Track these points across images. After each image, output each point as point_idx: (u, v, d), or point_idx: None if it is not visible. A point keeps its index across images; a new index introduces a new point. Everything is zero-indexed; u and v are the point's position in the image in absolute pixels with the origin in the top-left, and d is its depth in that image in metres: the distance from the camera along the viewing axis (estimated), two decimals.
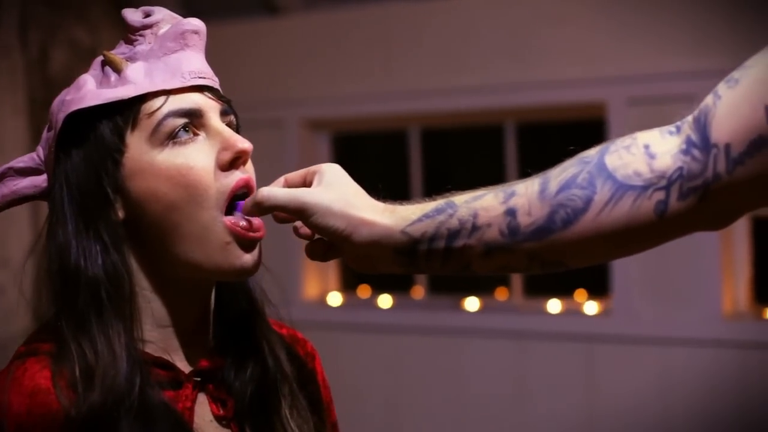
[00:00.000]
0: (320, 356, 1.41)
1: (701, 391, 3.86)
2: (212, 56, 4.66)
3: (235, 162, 1.20)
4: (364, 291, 4.74)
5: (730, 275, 3.89)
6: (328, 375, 1.37)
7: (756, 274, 3.95)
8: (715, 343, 3.83)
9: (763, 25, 3.68)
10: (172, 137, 1.18)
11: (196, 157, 1.18)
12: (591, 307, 4.14)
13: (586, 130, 4.23)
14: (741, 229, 3.91)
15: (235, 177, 1.19)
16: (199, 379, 1.25)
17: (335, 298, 4.70)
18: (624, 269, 3.97)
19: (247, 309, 1.30)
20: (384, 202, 1.20)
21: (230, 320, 1.29)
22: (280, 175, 4.73)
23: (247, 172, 1.21)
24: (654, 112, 3.90)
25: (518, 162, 4.33)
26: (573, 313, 4.17)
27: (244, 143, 1.20)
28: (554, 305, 4.21)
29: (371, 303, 4.62)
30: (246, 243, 1.19)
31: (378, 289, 4.69)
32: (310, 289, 4.71)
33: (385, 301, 4.59)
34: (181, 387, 1.22)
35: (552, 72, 4.09)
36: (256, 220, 1.20)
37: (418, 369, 4.43)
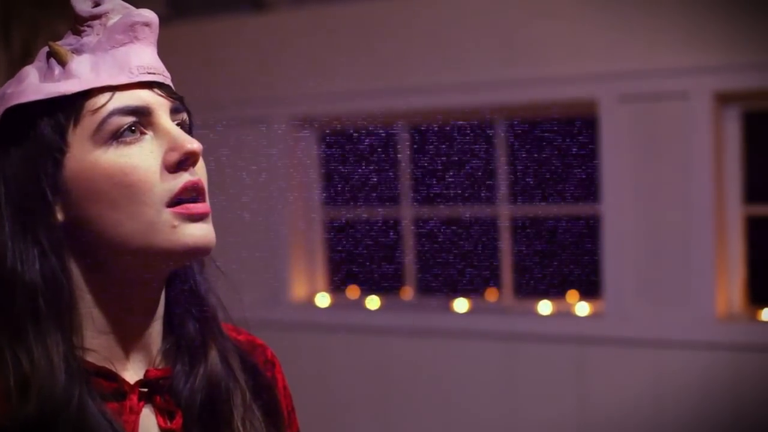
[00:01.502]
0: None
1: (695, 394, 3.82)
2: (198, 52, 4.62)
3: (183, 163, 1.13)
4: (352, 292, 4.69)
5: (724, 276, 3.84)
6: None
7: (750, 275, 3.90)
8: (708, 345, 3.79)
9: (756, 20, 3.64)
10: (116, 136, 1.12)
11: (141, 157, 1.12)
12: (582, 309, 4.09)
13: (577, 127, 4.17)
14: (735, 229, 3.86)
15: (183, 179, 1.13)
16: (145, 389, 1.18)
17: (323, 299, 4.64)
18: (616, 270, 3.92)
19: (198, 316, 1.23)
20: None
21: (180, 328, 1.23)
22: (267, 173, 4.66)
23: (196, 174, 1.14)
24: (646, 110, 3.86)
25: (508, 160, 4.27)
26: (564, 314, 4.13)
27: (192, 144, 1.13)
28: (545, 307, 4.16)
29: (359, 304, 4.57)
30: (194, 218, 1.13)
31: (367, 289, 4.64)
32: (298, 289, 4.66)
33: (373, 302, 4.53)
34: (125, 398, 1.16)
35: (541, 68, 4.05)
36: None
37: (406, 371, 4.39)
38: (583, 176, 4.14)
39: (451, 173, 4.84)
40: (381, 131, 4.66)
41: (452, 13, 4.25)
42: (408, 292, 4.56)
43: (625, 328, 3.92)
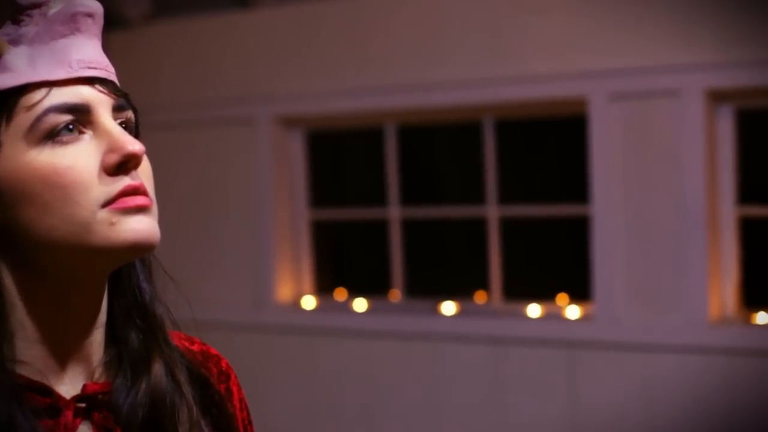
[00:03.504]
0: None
1: (687, 399, 3.77)
2: (182, 51, 4.57)
3: (123, 166, 1.05)
4: (340, 294, 4.63)
5: (717, 278, 3.80)
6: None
7: (744, 277, 3.85)
8: (701, 349, 3.74)
9: (750, 16, 3.60)
10: (52, 136, 1.04)
11: (77, 157, 1.04)
12: (572, 312, 4.03)
13: (567, 126, 4.11)
14: (728, 230, 3.81)
15: (122, 183, 1.05)
16: (83, 405, 1.10)
17: (309, 302, 4.58)
18: (606, 272, 3.86)
19: (142, 326, 1.15)
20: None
21: (123, 338, 1.15)
22: (252, 174, 4.62)
23: (137, 178, 1.06)
24: (637, 108, 3.82)
25: (497, 159, 4.22)
26: (554, 317, 4.08)
27: (134, 145, 1.05)
28: (534, 309, 4.10)
29: (346, 307, 4.52)
30: (131, 210, 1.05)
31: (354, 291, 4.59)
32: (284, 291, 4.59)
33: (360, 305, 4.47)
34: (60, 415, 1.08)
35: (530, 66, 4.00)
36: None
37: (393, 375, 4.36)
38: (573, 176, 4.09)
39: (439, 171, 4.78)
40: (368, 130, 4.60)
41: (439, 10, 4.21)
42: (396, 294, 4.50)
43: (616, 332, 3.88)
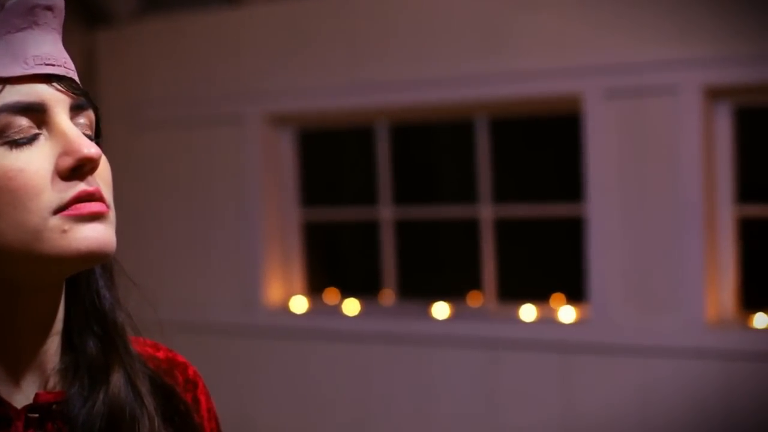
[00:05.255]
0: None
1: (683, 403, 3.73)
2: (170, 48, 4.49)
3: (77, 170, 1.00)
4: (331, 294, 4.56)
5: (715, 279, 3.76)
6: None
7: (743, 278, 3.81)
8: (698, 352, 3.69)
9: (748, 11, 3.55)
10: (4, 136, 0.99)
11: (30, 160, 0.99)
12: (567, 315, 3.97)
13: (563, 124, 4.05)
14: (726, 230, 3.76)
15: (77, 189, 0.99)
16: (36, 415, 1.05)
17: (299, 304, 4.51)
18: (602, 273, 3.81)
19: (100, 333, 1.10)
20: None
21: (80, 347, 1.09)
22: (242, 174, 4.54)
23: (93, 183, 1.01)
24: (633, 105, 3.77)
25: (491, 158, 4.17)
26: (548, 320, 4.04)
27: (90, 149, 0.99)
28: (529, 312, 4.04)
29: (336, 309, 4.46)
30: (86, 218, 0.99)
31: (346, 292, 4.53)
32: (273, 293, 4.53)
33: (351, 307, 4.41)
34: (10, 426, 1.03)
35: (525, 63, 3.97)
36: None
37: (384, 378, 4.31)
38: (568, 175, 4.04)
39: (432, 171, 4.72)
40: (359, 129, 4.54)
41: (432, 6, 4.17)
42: (389, 295, 4.44)
43: (611, 335, 3.85)
